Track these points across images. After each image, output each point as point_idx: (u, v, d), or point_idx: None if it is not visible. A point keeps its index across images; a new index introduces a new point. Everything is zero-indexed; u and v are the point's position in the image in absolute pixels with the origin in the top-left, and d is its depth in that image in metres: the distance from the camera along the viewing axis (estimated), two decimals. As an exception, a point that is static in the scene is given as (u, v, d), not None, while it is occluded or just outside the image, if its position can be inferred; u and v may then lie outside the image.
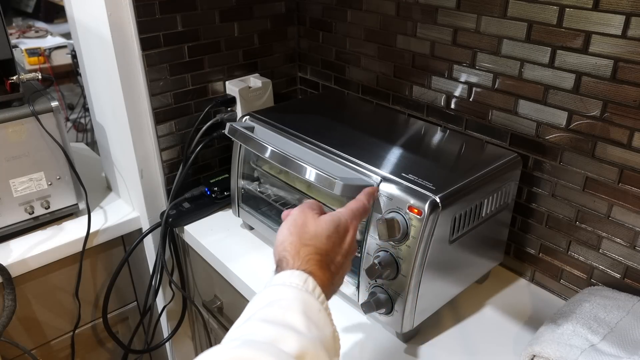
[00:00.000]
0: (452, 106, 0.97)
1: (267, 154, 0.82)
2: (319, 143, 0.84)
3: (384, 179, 0.74)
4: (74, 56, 2.17)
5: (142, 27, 0.98)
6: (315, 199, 0.87)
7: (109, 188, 1.28)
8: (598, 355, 0.67)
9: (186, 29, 1.05)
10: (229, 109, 1.14)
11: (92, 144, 1.84)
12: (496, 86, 0.89)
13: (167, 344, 1.32)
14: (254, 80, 1.15)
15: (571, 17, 0.76)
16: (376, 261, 0.73)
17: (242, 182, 1.01)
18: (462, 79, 0.94)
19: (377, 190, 0.73)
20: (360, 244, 0.77)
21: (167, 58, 1.04)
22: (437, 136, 0.92)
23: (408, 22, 0.99)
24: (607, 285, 0.83)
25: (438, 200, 0.69)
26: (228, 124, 0.91)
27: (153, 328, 1.29)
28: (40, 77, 1.04)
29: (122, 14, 0.96)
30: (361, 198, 0.69)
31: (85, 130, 2.43)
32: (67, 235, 1.09)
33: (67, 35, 2.40)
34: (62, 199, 1.10)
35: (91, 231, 1.09)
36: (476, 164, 0.80)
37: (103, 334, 1.23)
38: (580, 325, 0.72)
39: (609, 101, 0.76)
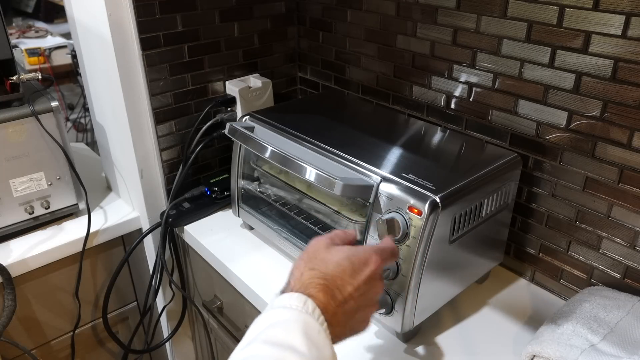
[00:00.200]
0: (452, 106, 0.97)
1: (267, 154, 0.82)
2: (319, 143, 0.84)
3: (384, 179, 0.74)
4: (74, 56, 2.17)
5: (142, 27, 0.98)
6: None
7: (109, 188, 1.28)
8: (598, 355, 0.67)
9: (186, 29, 1.05)
10: (229, 109, 1.14)
11: (92, 144, 1.84)
12: (496, 86, 0.89)
13: (167, 344, 1.32)
14: (254, 80, 1.15)
15: (571, 17, 0.76)
16: (376, 261, 0.73)
17: (242, 182, 1.01)
18: (462, 79, 0.94)
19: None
20: (361, 244, 0.77)
21: (167, 58, 1.04)
22: (437, 136, 0.92)
23: (408, 22, 0.99)
24: (607, 285, 0.83)
25: (438, 200, 0.69)
26: (228, 124, 0.91)
27: (153, 328, 1.29)
28: (40, 77, 1.04)
29: (122, 14, 0.96)
30: (389, 241, 0.67)
31: (85, 130, 2.43)
32: (67, 235, 1.09)
33: (67, 35, 2.40)
34: (62, 199, 1.10)
35: (91, 231, 1.09)
36: (476, 164, 0.80)
37: (103, 334, 1.23)
38: (580, 325, 0.72)
39: (609, 101, 0.76)
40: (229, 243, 1.03)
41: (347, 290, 0.56)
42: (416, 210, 0.69)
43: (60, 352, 1.18)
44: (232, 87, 1.13)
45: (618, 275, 0.82)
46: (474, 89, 0.93)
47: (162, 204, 1.15)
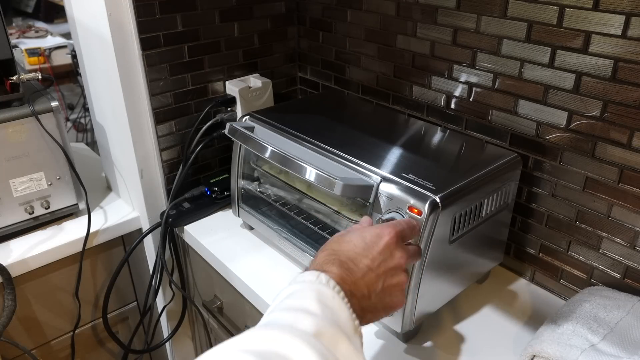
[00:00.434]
0: (452, 106, 0.97)
1: (267, 154, 0.82)
2: (319, 143, 0.84)
3: (384, 179, 0.74)
4: (74, 56, 2.17)
5: (142, 27, 0.98)
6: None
7: (109, 188, 1.28)
8: (598, 355, 0.67)
9: (186, 29, 1.05)
10: (229, 109, 1.14)
11: (92, 144, 1.84)
12: (496, 86, 0.89)
13: (167, 344, 1.32)
14: (254, 80, 1.15)
15: (571, 17, 0.76)
16: (376, 261, 0.73)
17: (242, 182, 1.01)
18: (462, 79, 0.94)
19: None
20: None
21: (167, 58, 1.04)
22: (437, 136, 0.92)
23: (408, 22, 0.99)
24: (607, 285, 0.83)
25: (438, 200, 0.69)
26: (228, 124, 0.91)
27: (153, 328, 1.29)
28: (40, 77, 1.04)
29: (122, 14, 0.96)
30: (405, 218, 0.68)
31: (85, 130, 2.43)
32: (67, 235, 1.09)
33: (67, 35, 2.40)
34: (62, 199, 1.10)
35: (91, 231, 1.09)
36: (476, 164, 0.80)
37: (103, 334, 1.23)
38: (580, 325, 0.72)
39: (609, 101, 0.76)
40: (229, 243, 1.03)
41: (363, 262, 0.58)
42: (416, 210, 0.69)
43: (60, 352, 1.18)
44: (232, 87, 1.13)
45: (618, 275, 0.82)
46: (474, 89, 0.93)
47: (162, 204, 1.15)
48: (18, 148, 1.01)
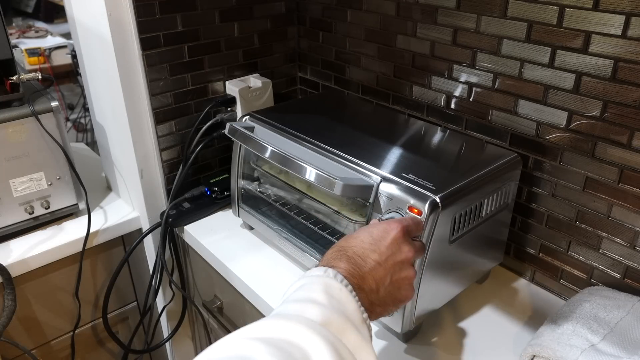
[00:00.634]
0: (452, 106, 0.97)
1: (267, 154, 0.82)
2: (319, 143, 0.84)
3: (384, 179, 0.74)
4: (74, 56, 2.17)
5: (142, 27, 0.98)
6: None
7: (109, 188, 1.28)
8: (598, 355, 0.67)
9: (186, 29, 1.05)
10: (229, 109, 1.14)
11: (92, 144, 1.84)
12: (496, 86, 0.89)
13: (167, 344, 1.32)
14: (254, 80, 1.15)
15: (571, 17, 0.76)
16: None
17: (242, 182, 1.01)
18: (462, 79, 0.94)
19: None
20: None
21: (167, 58, 1.04)
22: (437, 136, 0.92)
23: (408, 22, 0.99)
24: (607, 285, 0.83)
25: (438, 200, 0.69)
26: (228, 124, 0.91)
27: (153, 328, 1.29)
28: (40, 77, 1.04)
29: (122, 14, 0.96)
30: (409, 215, 0.69)
31: (85, 130, 2.43)
32: (67, 235, 1.09)
33: (67, 35, 2.40)
34: (62, 199, 1.10)
35: (91, 231, 1.09)
36: (476, 164, 0.80)
37: (103, 334, 1.23)
38: (580, 325, 0.72)
39: (609, 101, 0.76)
40: (229, 243, 1.03)
41: (371, 257, 0.58)
42: (416, 210, 0.69)
43: (60, 352, 1.18)
44: (232, 87, 1.13)
45: (618, 275, 0.82)
46: (474, 89, 0.93)
47: (162, 204, 1.15)
48: (18, 148, 1.01)
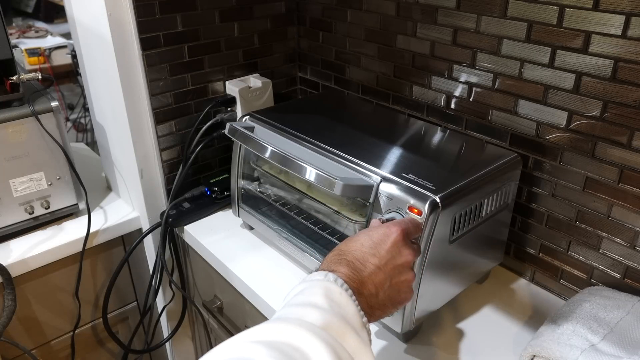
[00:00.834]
0: (452, 106, 0.97)
1: (267, 154, 0.82)
2: (319, 143, 0.84)
3: (384, 179, 0.74)
4: (74, 56, 2.17)
5: (142, 27, 0.98)
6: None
7: (109, 188, 1.28)
8: (598, 355, 0.67)
9: (186, 29, 1.05)
10: (229, 109, 1.14)
11: (92, 144, 1.84)
12: (496, 86, 0.89)
13: (167, 344, 1.32)
14: (254, 80, 1.15)
15: (571, 17, 0.76)
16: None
17: (242, 182, 1.01)
18: (462, 79, 0.94)
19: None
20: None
21: (167, 58, 1.04)
22: (437, 136, 0.92)
23: (408, 22, 0.99)
24: (607, 285, 0.83)
25: (438, 200, 0.69)
26: (228, 124, 0.91)
27: (153, 328, 1.29)
28: (40, 77, 1.04)
29: (122, 14, 0.96)
30: (408, 216, 0.69)
31: (85, 130, 2.43)
32: (67, 235, 1.09)
33: (67, 35, 2.40)
34: (62, 199, 1.10)
35: (91, 231, 1.09)
36: (476, 164, 0.80)
37: (103, 334, 1.23)
38: (580, 325, 0.72)
39: (609, 101, 0.76)
40: (229, 243, 1.03)
41: (370, 261, 0.59)
42: (416, 210, 0.69)
43: (60, 352, 1.18)
44: (232, 87, 1.13)
45: (618, 275, 0.82)
46: (474, 89, 0.93)
47: (162, 204, 1.15)
48: (18, 148, 1.01)
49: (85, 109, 2.31)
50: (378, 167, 0.77)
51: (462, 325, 0.84)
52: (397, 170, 0.76)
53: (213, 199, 1.12)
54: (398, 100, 1.07)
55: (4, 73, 0.98)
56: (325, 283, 0.54)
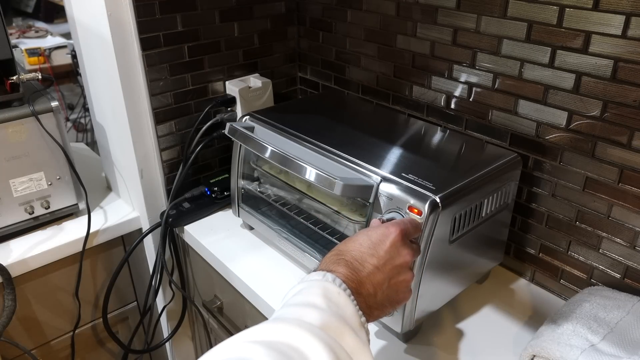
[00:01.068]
0: (452, 106, 0.97)
1: (267, 154, 0.82)
2: (319, 143, 0.84)
3: (384, 179, 0.74)
4: (74, 56, 2.17)
5: (142, 27, 0.98)
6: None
7: (109, 188, 1.28)
8: (598, 355, 0.67)
9: (186, 29, 1.05)
10: (229, 109, 1.14)
11: (92, 144, 1.84)
12: (496, 86, 0.89)
13: (167, 344, 1.32)
14: (254, 80, 1.15)
15: (571, 17, 0.76)
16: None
17: (242, 182, 1.01)
18: (462, 79, 0.94)
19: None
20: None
21: (167, 58, 1.04)
22: (437, 136, 0.92)
23: (408, 22, 0.99)
24: (607, 285, 0.83)
25: (438, 200, 0.69)
26: (228, 124, 0.91)
27: (153, 328, 1.29)
28: (40, 77, 1.04)
29: (122, 14, 0.96)
30: (407, 217, 0.69)
31: (85, 130, 2.43)
32: (67, 235, 1.09)
33: (67, 35, 2.40)
34: (62, 199, 1.10)
35: (91, 231, 1.09)
36: (476, 164, 0.80)
37: (103, 334, 1.23)
38: (580, 325, 0.72)
39: (609, 101, 0.76)
40: (229, 243, 1.03)
41: (369, 261, 0.59)
42: (416, 210, 0.69)
43: (60, 352, 1.18)
44: (232, 87, 1.13)
45: (618, 275, 0.82)
46: (474, 89, 0.93)
47: (162, 204, 1.15)
48: (18, 148, 1.01)
49: (85, 109, 2.31)
50: (378, 167, 0.77)
51: (462, 325, 0.84)
52: (397, 170, 0.76)
53: (213, 199, 1.12)
54: (398, 100, 1.07)
55: (4, 73, 0.98)
56: (324, 283, 0.54)
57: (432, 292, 0.77)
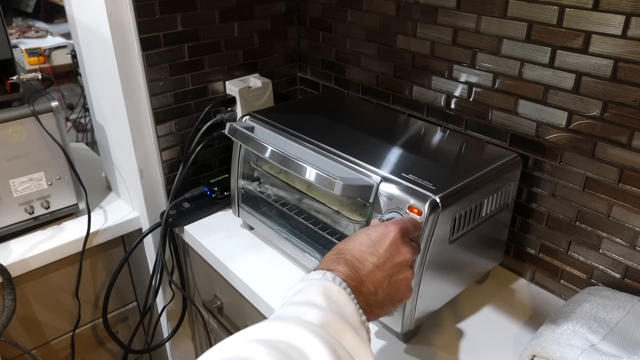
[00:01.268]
0: (452, 106, 0.97)
1: (267, 154, 0.82)
2: (319, 143, 0.84)
3: (384, 179, 0.74)
4: (74, 56, 2.17)
5: (142, 27, 0.98)
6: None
7: (109, 188, 1.28)
8: (598, 355, 0.67)
9: (186, 29, 1.05)
10: (229, 109, 1.14)
11: (92, 144, 1.84)
12: (496, 86, 0.89)
13: (167, 344, 1.32)
14: (254, 80, 1.15)
15: (571, 17, 0.76)
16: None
17: (242, 182, 1.01)
18: (462, 79, 0.94)
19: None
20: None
21: (167, 58, 1.04)
22: (437, 136, 0.92)
23: (408, 22, 0.99)
24: (607, 285, 0.83)
25: (438, 200, 0.69)
26: (228, 124, 0.91)
27: (153, 328, 1.29)
28: (40, 77, 1.04)
29: (122, 14, 0.96)
30: (407, 216, 0.69)
31: (85, 130, 2.43)
32: (67, 235, 1.09)
33: (67, 35, 2.40)
34: (62, 199, 1.10)
35: (91, 231, 1.09)
36: (476, 164, 0.80)
37: (103, 334, 1.23)
38: (580, 325, 0.72)
39: (609, 101, 0.76)
40: (229, 243, 1.03)
41: (369, 259, 0.59)
42: (416, 210, 0.69)
43: (60, 352, 1.18)
44: (232, 87, 1.13)
45: (618, 275, 0.82)
46: (474, 89, 0.93)
47: (162, 204, 1.15)
48: (18, 148, 1.01)
49: (85, 109, 2.31)
50: (378, 167, 0.77)
51: (462, 325, 0.84)
52: (397, 170, 0.76)
53: (213, 199, 1.12)
54: (398, 100, 1.07)
55: (4, 73, 0.98)
56: (324, 282, 0.54)
57: (432, 292, 0.77)
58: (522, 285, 0.94)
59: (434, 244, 0.71)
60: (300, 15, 1.22)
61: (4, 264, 0.99)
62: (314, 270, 0.58)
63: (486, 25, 0.87)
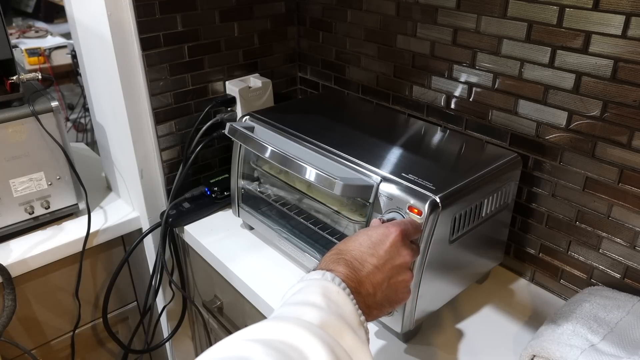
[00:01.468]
0: (452, 106, 0.97)
1: (267, 154, 0.82)
2: (319, 143, 0.84)
3: (384, 179, 0.74)
4: (74, 56, 2.17)
5: (142, 27, 0.98)
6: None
7: (109, 188, 1.28)
8: (598, 355, 0.67)
9: (186, 29, 1.05)
10: (229, 109, 1.14)
11: (92, 144, 1.84)
12: (496, 86, 0.89)
13: (167, 344, 1.32)
14: (254, 80, 1.15)
15: (571, 17, 0.76)
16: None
17: (242, 182, 1.01)
18: (462, 79, 0.94)
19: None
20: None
21: (167, 58, 1.04)
22: (437, 136, 0.92)
23: (408, 22, 0.99)
24: (607, 285, 0.83)
25: (438, 200, 0.69)
26: (228, 124, 0.91)
27: (153, 328, 1.29)
28: (40, 77, 1.04)
29: (122, 14, 0.96)
30: (407, 217, 0.69)
31: (85, 130, 2.43)
32: (67, 235, 1.09)
33: (67, 35, 2.40)
34: (62, 199, 1.10)
35: (91, 231, 1.09)
36: (476, 164, 0.80)
37: (103, 334, 1.23)
38: (580, 325, 0.72)
39: (609, 101, 0.76)
40: (229, 243, 1.03)
41: (369, 261, 0.59)
42: (416, 210, 0.69)
43: (60, 352, 1.18)
44: (232, 87, 1.13)
45: (618, 275, 0.82)
46: (474, 89, 0.93)
47: (162, 204, 1.15)
48: (18, 148, 1.01)
49: (85, 109, 2.31)
50: (378, 167, 0.77)
51: (462, 325, 0.84)
52: (397, 170, 0.76)
53: (213, 199, 1.12)
54: (398, 100, 1.07)
55: (4, 73, 0.98)
56: (323, 282, 0.54)
57: (432, 292, 0.77)
58: (522, 285, 0.94)
59: (434, 244, 0.71)
60: (300, 15, 1.22)
61: (4, 264, 0.99)
62: (314, 270, 0.58)
63: (486, 25, 0.87)
